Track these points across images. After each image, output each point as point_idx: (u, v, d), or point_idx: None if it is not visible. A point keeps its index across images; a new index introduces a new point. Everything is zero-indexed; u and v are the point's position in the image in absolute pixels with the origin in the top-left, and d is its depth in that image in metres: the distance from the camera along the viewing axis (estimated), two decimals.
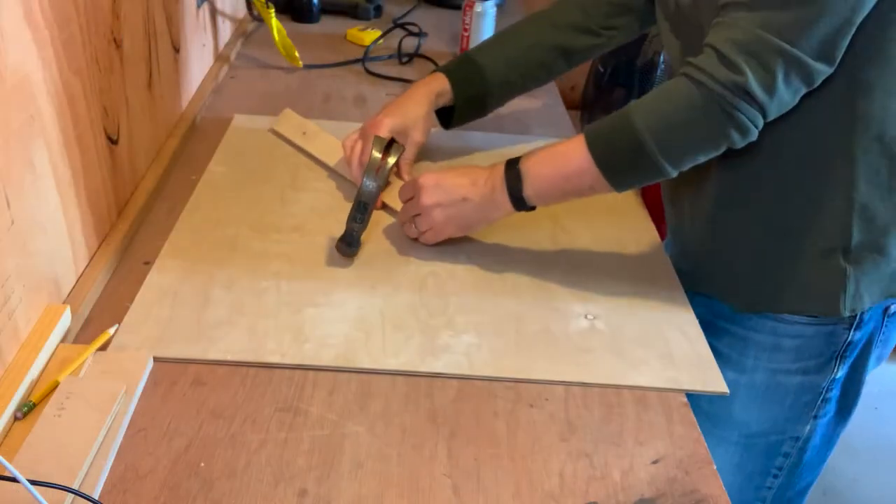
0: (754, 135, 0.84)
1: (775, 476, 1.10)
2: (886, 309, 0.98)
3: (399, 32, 1.72)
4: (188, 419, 0.75)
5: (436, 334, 0.88)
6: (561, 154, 0.91)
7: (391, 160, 1.02)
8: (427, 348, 0.85)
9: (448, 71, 1.14)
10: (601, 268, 1.01)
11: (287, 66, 1.54)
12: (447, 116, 1.18)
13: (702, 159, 0.88)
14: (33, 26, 0.74)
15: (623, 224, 1.11)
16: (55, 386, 0.74)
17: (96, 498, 0.65)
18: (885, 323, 0.99)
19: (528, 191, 0.93)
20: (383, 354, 0.84)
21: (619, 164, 0.88)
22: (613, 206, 1.14)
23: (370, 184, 0.99)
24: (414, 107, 1.12)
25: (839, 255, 0.92)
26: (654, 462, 0.75)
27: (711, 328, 0.92)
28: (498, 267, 1.00)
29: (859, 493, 1.98)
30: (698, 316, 0.95)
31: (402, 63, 1.62)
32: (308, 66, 1.54)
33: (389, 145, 1.04)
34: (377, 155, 1.02)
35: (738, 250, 0.98)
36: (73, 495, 0.64)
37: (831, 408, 1.04)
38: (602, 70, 2.41)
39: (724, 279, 1.01)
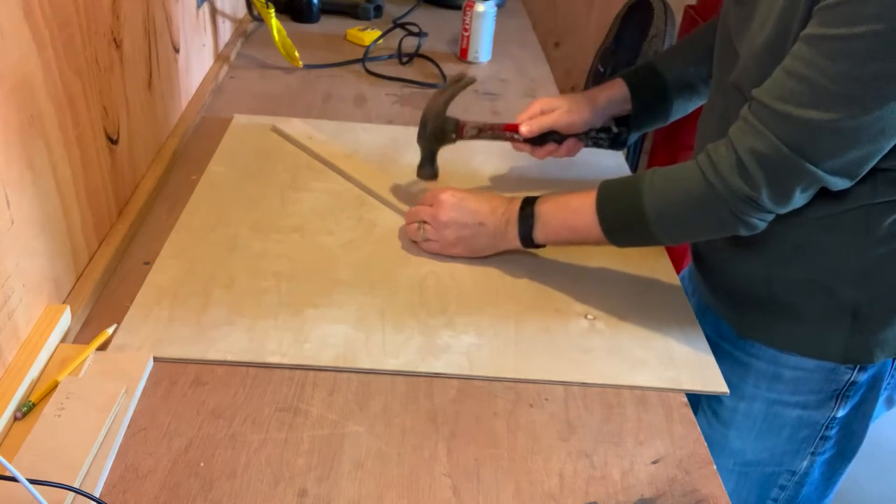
0: (761, 229, 0.85)
1: None
2: None
3: (399, 32, 1.72)
4: (188, 419, 0.75)
5: (436, 334, 0.88)
6: (572, 209, 0.94)
7: (455, 86, 1.11)
8: (427, 348, 0.85)
9: (626, 76, 1.13)
10: (601, 268, 1.01)
11: (287, 66, 1.54)
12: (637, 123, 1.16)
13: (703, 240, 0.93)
14: (33, 26, 0.74)
15: None
16: (55, 386, 0.74)
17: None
18: (894, 366, 0.96)
19: (538, 234, 0.95)
20: (383, 354, 0.84)
21: (622, 233, 0.91)
22: None
23: (431, 100, 1.10)
24: (579, 97, 1.14)
25: (848, 314, 0.90)
26: (654, 462, 0.75)
27: (715, 350, 0.91)
28: (498, 267, 1.00)
29: (859, 494, 1.98)
30: (704, 334, 0.94)
31: (402, 63, 1.62)
32: (308, 66, 1.54)
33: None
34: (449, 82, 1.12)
35: (748, 287, 0.96)
36: (73, 495, 0.64)
37: (831, 446, 1.02)
38: (602, 70, 2.41)
39: (732, 305, 0.99)
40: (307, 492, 0.69)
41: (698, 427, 0.80)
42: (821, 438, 1.00)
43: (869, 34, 0.70)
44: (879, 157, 0.78)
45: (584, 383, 0.83)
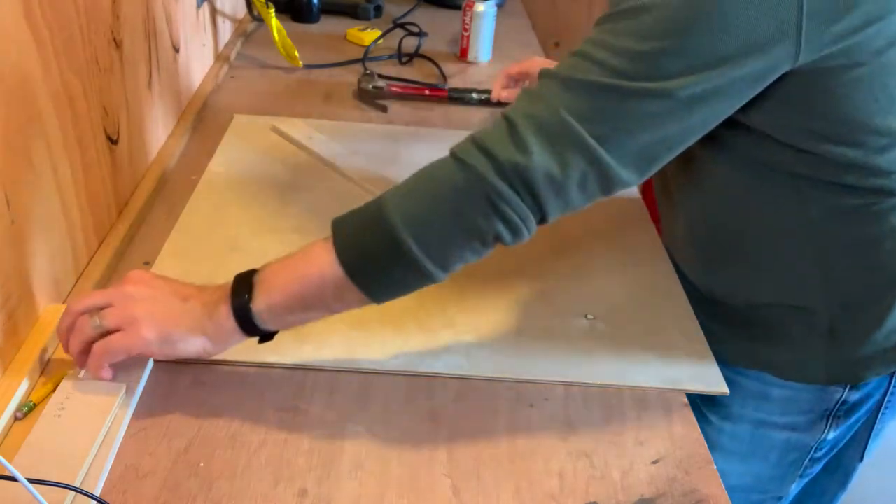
0: (525, 236, 0.70)
1: None
2: (894, 373, 0.91)
3: (399, 32, 1.72)
4: (188, 419, 0.75)
5: (436, 334, 0.88)
6: (303, 256, 0.72)
7: None
8: (427, 348, 0.85)
9: None
10: (601, 268, 1.01)
11: (287, 66, 1.53)
12: None
13: (472, 259, 0.72)
14: (33, 26, 0.74)
15: (623, 224, 1.10)
16: (55, 386, 0.74)
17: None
18: (892, 384, 0.92)
19: (259, 304, 0.71)
20: (383, 354, 0.84)
21: (373, 268, 0.70)
22: (613, 206, 1.14)
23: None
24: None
25: (826, 333, 0.87)
26: (654, 462, 0.75)
27: None
28: (498, 267, 1.00)
29: (859, 493, 1.97)
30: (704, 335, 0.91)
31: (402, 63, 1.62)
32: (308, 66, 1.54)
33: None
34: None
35: (724, 314, 0.93)
36: (73, 494, 0.64)
37: (819, 467, 0.99)
38: None
39: (709, 330, 0.93)
40: (307, 492, 0.69)
41: (698, 427, 0.79)
42: (809, 460, 0.97)
43: (650, 15, 0.65)
44: (677, 151, 0.70)
45: (584, 383, 0.83)
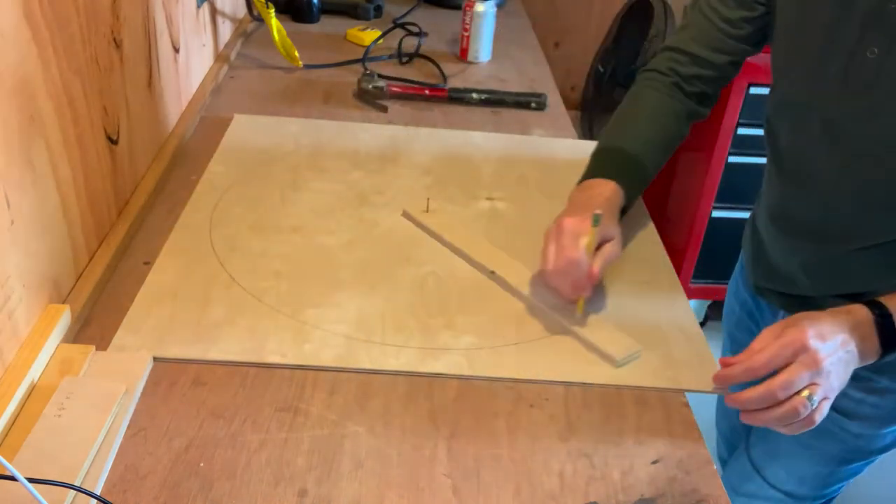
0: None
1: None
2: None
3: (399, 32, 1.72)
4: (188, 419, 0.75)
5: (436, 334, 0.88)
6: None
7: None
8: (427, 348, 0.85)
9: (616, 176, 1.02)
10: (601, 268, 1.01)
11: (287, 66, 1.54)
12: None
13: None
14: (33, 26, 0.74)
15: (623, 223, 1.10)
16: (56, 386, 0.74)
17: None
18: None
19: None
20: (383, 354, 0.84)
21: None
22: None
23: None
24: (610, 216, 0.97)
25: None
26: (654, 462, 0.75)
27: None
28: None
29: (859, 493, 1.98)
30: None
31: (402, 63, 1.62)
32: (308, 66, 1.54)
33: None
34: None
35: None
36: (73, 494, 0.64)
37: None
38: (602, 70, 2.41)
39: None
40: (307, 492, 0.69)
41: (698, 427, 0.80)
42: None
43: None
44: None
45: (584, 383, 0.83)
